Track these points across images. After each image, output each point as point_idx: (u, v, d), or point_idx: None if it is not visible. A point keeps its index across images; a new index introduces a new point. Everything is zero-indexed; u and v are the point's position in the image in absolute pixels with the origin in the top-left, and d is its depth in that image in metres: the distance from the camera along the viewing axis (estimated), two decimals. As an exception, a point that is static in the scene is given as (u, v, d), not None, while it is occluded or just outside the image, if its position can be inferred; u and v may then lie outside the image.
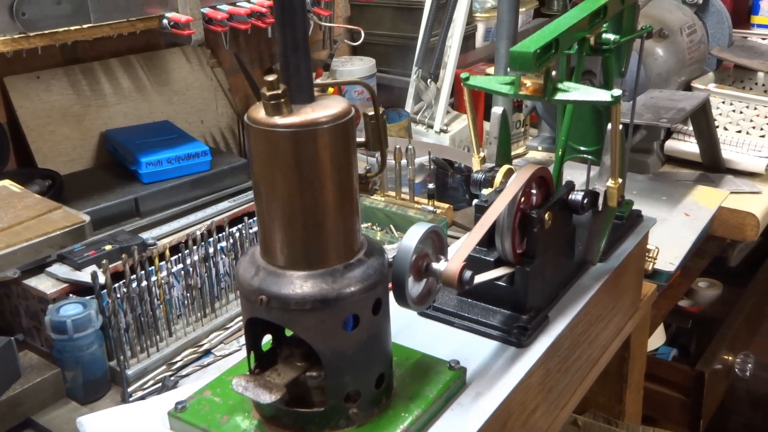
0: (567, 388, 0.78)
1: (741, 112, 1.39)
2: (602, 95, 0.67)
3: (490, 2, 1.78)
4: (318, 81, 0.54)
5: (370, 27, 1.62)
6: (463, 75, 0.74)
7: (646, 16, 1.44)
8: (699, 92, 1.41)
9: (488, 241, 0.69)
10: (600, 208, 0.75)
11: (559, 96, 0.68)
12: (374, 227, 1.17)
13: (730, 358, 1.56)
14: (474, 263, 0.65)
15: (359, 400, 0.56)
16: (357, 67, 1.56)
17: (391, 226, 1.15)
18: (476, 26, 1.77)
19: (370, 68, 1.58)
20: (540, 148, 1.54)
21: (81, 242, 0.86)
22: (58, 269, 0.90)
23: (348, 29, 1.66)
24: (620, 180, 0.75)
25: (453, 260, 0.58)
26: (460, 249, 0.59)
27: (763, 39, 1.86)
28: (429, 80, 1.51)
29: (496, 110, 0.76)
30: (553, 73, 0.67)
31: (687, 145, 1.42)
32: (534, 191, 0.70)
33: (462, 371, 0.63)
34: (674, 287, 1.32)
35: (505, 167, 0.77)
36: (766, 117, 1.37)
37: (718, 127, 1.39)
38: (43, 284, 0.88)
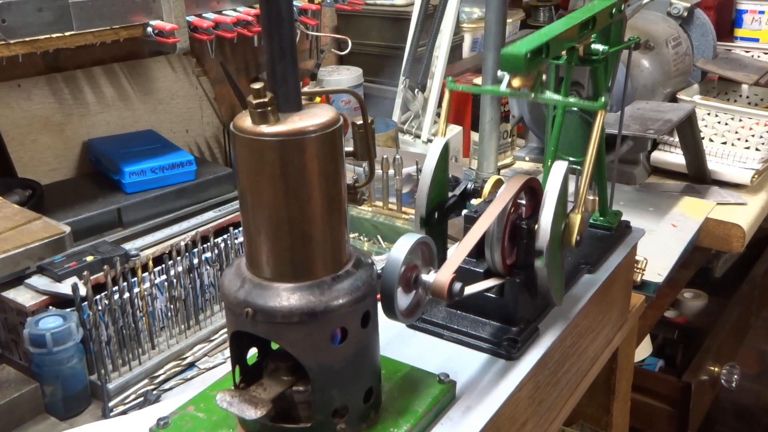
0: (557, 401, 0.77)
1: (726, 124, 1.40)
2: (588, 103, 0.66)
3: (477, 13, 1.79)
4: (306, 89, 0.53)
5: (357, 36, 1.61)
6: (448, 79, 0.73)
7: (632, 28, 1.45)
8: (685, 104, 1.42)
9: (477, 252, 0.68)
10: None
11: (546, 94, 0.67)
12: (361, 238, 1.16)
13: (716, 369, 1.56)
14: (463, 274, 0.64)
15: (347, 415, 0.54)
16: (344, 77, 1.56)
17: (379, 237, 1.14)
18: (463, 36, 1.78)
19: (357, 78, 1.58)
20: (527, 159, 1.54)
21: (61, 253, 0.84)
22: (38, 281, 0.88)
23: (335, 39, 1.65)
24: (584, 211, 0.68)
25: (442, 272, 0.57)
26: (450, 260, 0.58)
27: (747, 51, 1.88)
28: (416, 90, 1.51)
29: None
30: (543, 77, 0.66)
31: (673, 156, 1.43)
32: (524, 202, 0.70)
33: (452, 385, 0.62)
34: (660, 298, 1.31)
35: (494, 177, 0.76)
36: (750, 129, 1.38)
37: (703, 138, 1.40)
38: (21, 296, 0.86)
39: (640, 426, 1.44)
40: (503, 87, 0.66)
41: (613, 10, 0.79)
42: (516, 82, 0.65)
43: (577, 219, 0.66)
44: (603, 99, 0.65)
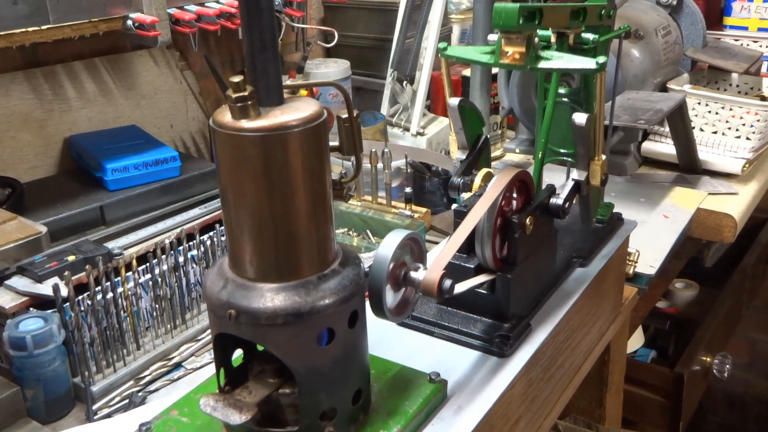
0: (550, 398, 0.76)
1: (717, 113, 1.39)
2: (587, 63, 0.65)
3: (465, 3, 1.77)
4: (288, 82, 0.51)
5: (344, 28, 1.59)
6: (441, 45, 0.72)
7: (621, 17, 1.43)
8: (675, 93, 1.41)
9: (468, 247, 0.66)
10: (584, 193, 0.73)
11: (542, 64, 0.65)
12: (350, 232, 1.14)
13: (707, 359, 1.56)
14: (454, 270, 0.63)
15: (335, 418, 0.53)
16: (331, 70, 1.54)
17: (368, 231, 1.13)
18: (451, 28, 1.76)
19: (345, 70, 1.56)
20: (517, 150, 1.53)
21: (39, 254, 0.82)
22: (18, 282, 0.86)
23: (321, 31, 1.63)
24: (603, 157, 0.73)
25: (432, 269, 0.56)
26: (440, 256, 0.57)
27: (736, 40, 1.88)
28: (405, 82, 1.49)
29: (452, 102, 0.73)
30: (536, 40, 0.64)
31: (664, 147, 1.42)
32: (514, 195, 0.68)
33: (443, 384, 0.60)
34: (652, 288, 1.30)
35: (484, 171, 0.75)
36: (741, 118, 1.37)
37: (694, 128, 1.39)
38: (1, 298, 0.84)
39: (632, 417, 1.43)
40: (496, 58, 0.65)
41: (602, 12, 0.78)
42: (508, 48, 0.64)
43: (598, 164, 0.74)
44: (600, 61, 0.63)
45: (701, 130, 1.41)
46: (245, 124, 0.47)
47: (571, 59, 0.66)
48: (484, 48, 0.68)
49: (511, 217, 0.66)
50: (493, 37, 0.67)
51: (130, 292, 0.86)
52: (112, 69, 1.23)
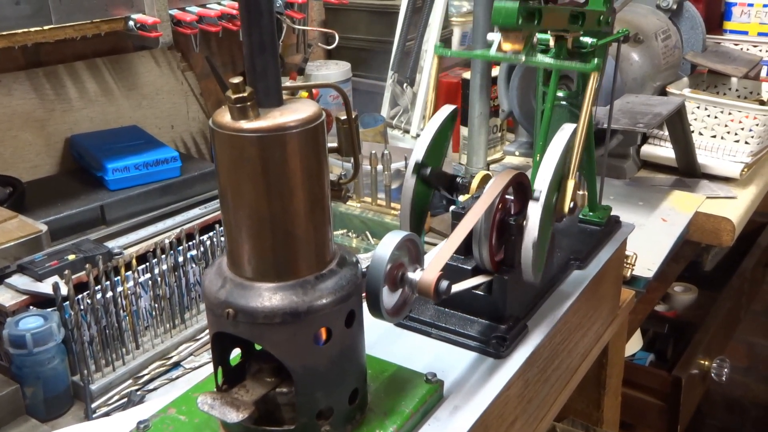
0: (546, 399, 0.76)
1: (716, 117, 1.40)
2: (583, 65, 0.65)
3: (466, 6, 1.77)
4: (288, 84, 0.52)
5: (345, 31, 1.60)
6: (437, 43, 0.72)
7: (621, 20, 1.44)
8: (674, 97, 1.41)
9: (465, 248, 0.67)
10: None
11: (538, 57, 0.66)
12: (350, 234, 1.14)
13: (706, 363, 1.56)
14: (451, 272, 0.63)
15: (332, 417, 0.53)
16: (332, 71, 1.54)
17: (367, 233, 1.13)
18: (452, 30, 1.76)
19: (346, 72, 1.56)
20: (517, 153, 1.53)
21: (39, 252, 0.83)
22: (18, 280, 0.86)
23: (322, 33, 1.64)
24: (575, 180, 0.67)
25: (429, 270, 0.56)
26: (437, 258, 0.57)
27: (736, 44, 1.88)
28: (405, 84, 1.50)
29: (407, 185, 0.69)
30: (534, 39, 0.65)
31: (663, 150, 1.43)
32: (512, 197, 0.68)
33: (439, 384, 0.61)
34: (651, 292, 1.31)
35: (482, 173, 0.75)
36: (740, 122, 1.38)
37: (693, 132, 1.39)
38: (1, 296, 0.84)
39: (630, 421, 1.43)
40: (493, 51, 0.65)
41: (601, 17, 0.78)
42: (507, 45, 0.64)
43: (570, 185, 0.66)
44: (595, 61, 0.64)
45: (700, 134, 1.41)
46: (244, 124, 0.47)
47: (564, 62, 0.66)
48: (482, 51, 0.69)
49: (509, 218, 0.66)
50: (492, 36, 0.68)
51: (129, 292, 0.86)
52: (114, 69, 1.24)
